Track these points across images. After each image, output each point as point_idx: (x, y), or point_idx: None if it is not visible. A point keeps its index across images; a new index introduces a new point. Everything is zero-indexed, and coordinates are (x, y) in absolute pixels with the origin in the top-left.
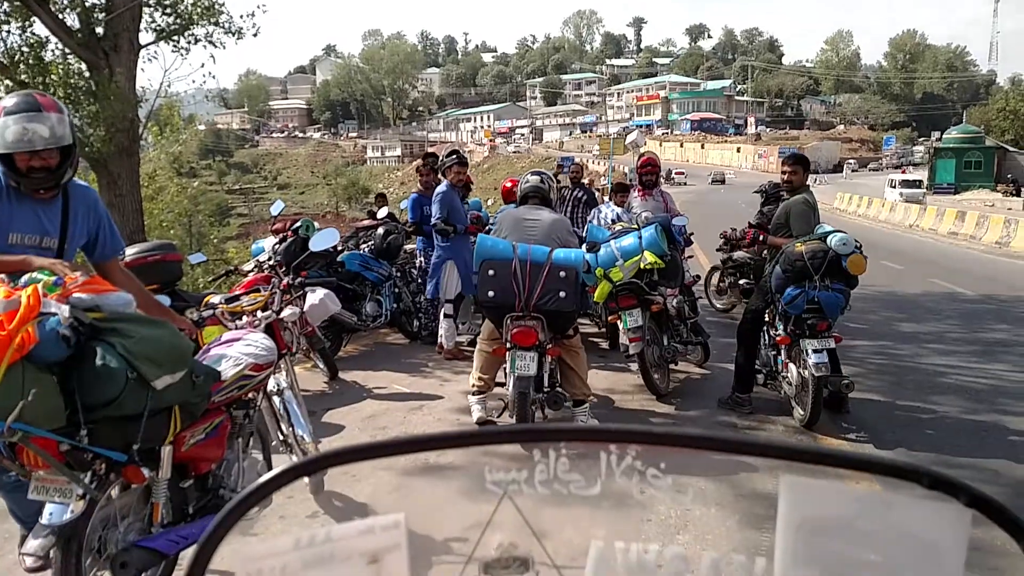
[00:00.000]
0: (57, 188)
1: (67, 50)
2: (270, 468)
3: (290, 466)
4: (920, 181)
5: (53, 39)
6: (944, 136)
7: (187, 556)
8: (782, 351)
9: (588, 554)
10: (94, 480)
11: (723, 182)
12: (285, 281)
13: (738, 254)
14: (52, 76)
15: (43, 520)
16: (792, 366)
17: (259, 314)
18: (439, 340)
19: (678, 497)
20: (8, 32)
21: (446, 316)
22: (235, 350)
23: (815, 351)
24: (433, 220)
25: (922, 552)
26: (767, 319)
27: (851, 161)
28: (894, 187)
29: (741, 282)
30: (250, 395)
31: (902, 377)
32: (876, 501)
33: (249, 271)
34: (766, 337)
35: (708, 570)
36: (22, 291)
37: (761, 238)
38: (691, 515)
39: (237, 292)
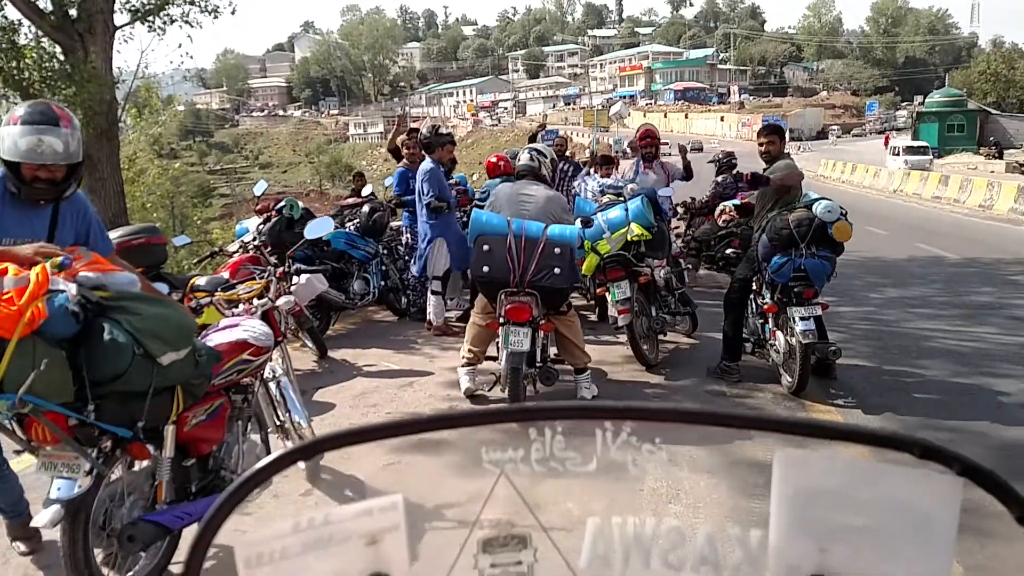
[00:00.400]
0: (57, 200)
1: (40, 33)
2: (268, 452)
3: (289, 450)
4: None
5: (26, 22)
6: (927, 100)
7: (189, 535)
8: (769, 319)
9: (585, 530)
10: (100, 456)
11: (700, 150)
12: (281, 269)
13: (702, 228)
14: (27, 60)
15: (51, 495)
16: (779, 334)
17: (255, 302)
18: (428, 317)
19: (673, 471)
20: None
21: (434, 293)
22: (233, 336)
23: (802, 319)
24: (425, 199)
25: (915, 521)
26: (754, 288)
27: (835, 127)
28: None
29: (728, 252)
30: (248, 380)
31: (888, 342)
32: (869, 471)
33: (234, 252)
34: (753, 306)
35: (704, 542)
36: (31, 269)
37: (727, 207)
38: (686, 488)
39: (222, 274)
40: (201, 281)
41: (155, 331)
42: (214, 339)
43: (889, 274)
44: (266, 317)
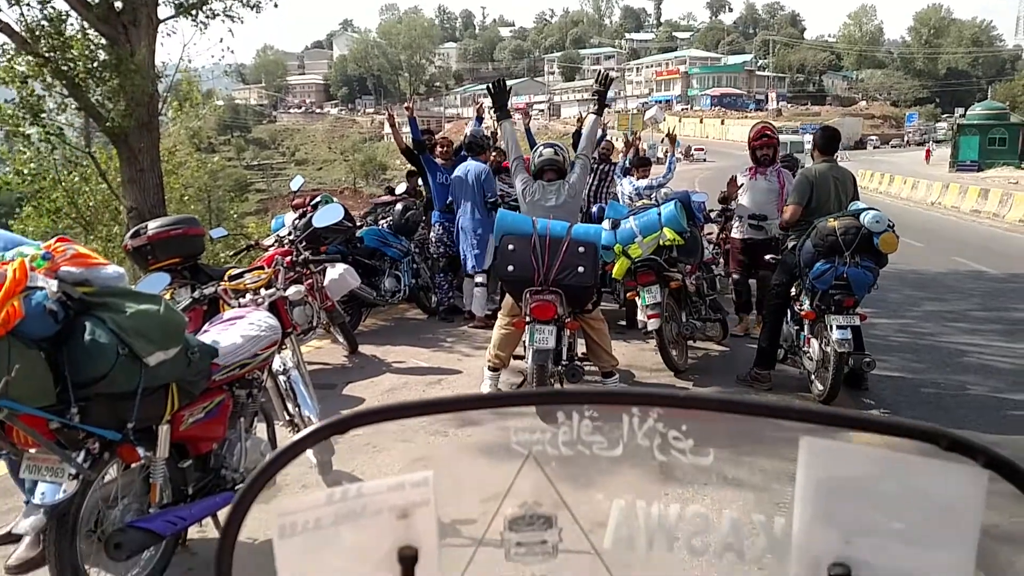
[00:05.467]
0: None
1: (86, 25)
2: (275, 448)
3: (322, 424)
4: None
5: (73, 14)
6: (968, 112)
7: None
8: (805, 326)
9: (610, 513)
10: (88, 459)
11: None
12: (289, 258)
13: None
14: (73, 51)
15: (35, 499)
16: (814, 341)
17: (263, 292)
18: (471, 308)
19: (699, 459)
20: (28, 6)
21: (479, 285)
22: (236, 330)
23: (839, 327)
24: (492, 197)
25: (939, 513)
26: (792, 293)
27: (873, 137)
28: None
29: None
30: (253, 374)
31: (923, 355)
32: (894, 463)
33: (270, 245)
34: (790, 312)
35: (728, 529)
36: (8, 265)
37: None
38: (712, 476)
39: (256, 266)
40: (236, 273)
41: (141, 329)
42: (214, 332)
43: (926, 287)
44: (274, 308)
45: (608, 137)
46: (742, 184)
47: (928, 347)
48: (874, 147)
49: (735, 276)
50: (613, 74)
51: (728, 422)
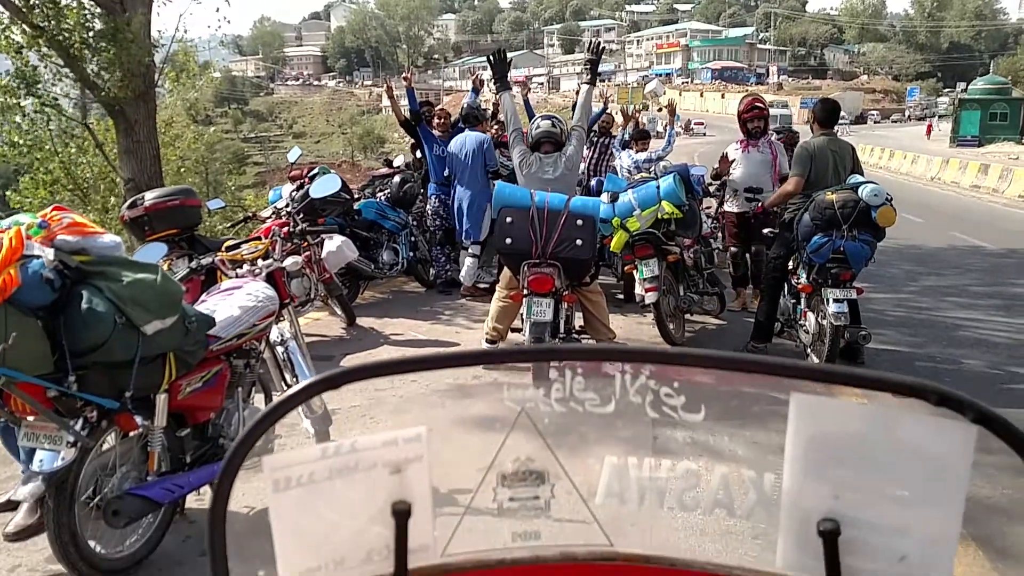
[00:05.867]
0: None
1: None
2: None
3: (317, 379)
4: None
5: None
6: (969, 87)
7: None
8: (802, 299)
9: (602, 469)
10: (86, 427)
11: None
12: (287, 229)
13: None
14: (68, 21)
15: (33, 467)
16: (811, 314)
17: (260, 263)
18: (461, 279)
19: (690, 415)
20: None
21: (472, 256)
22: (234, 300)
23: (836, 300)
24: (493, 167)
25: (928, 467)
26: (789, 267)
27: (874, 112)
28: None
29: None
30: (251, 344)
31: (920, 329)
32: (883, 419)
33: (267, 217)
34: (787, 285)
35: (718, 485)
36: (4, 233)
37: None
38: (703, 432)
39: (254, 237)
40: (234, 244)
41: (138, 298)
42: (212, 303)
43: (925, 262)
44: (272, 279)
45: (608, 110)
46: (734, 159)
47: (925, 321)
48: (875, 122)
49: (732, 250)
50: (605, 45)
51: (719, 379)
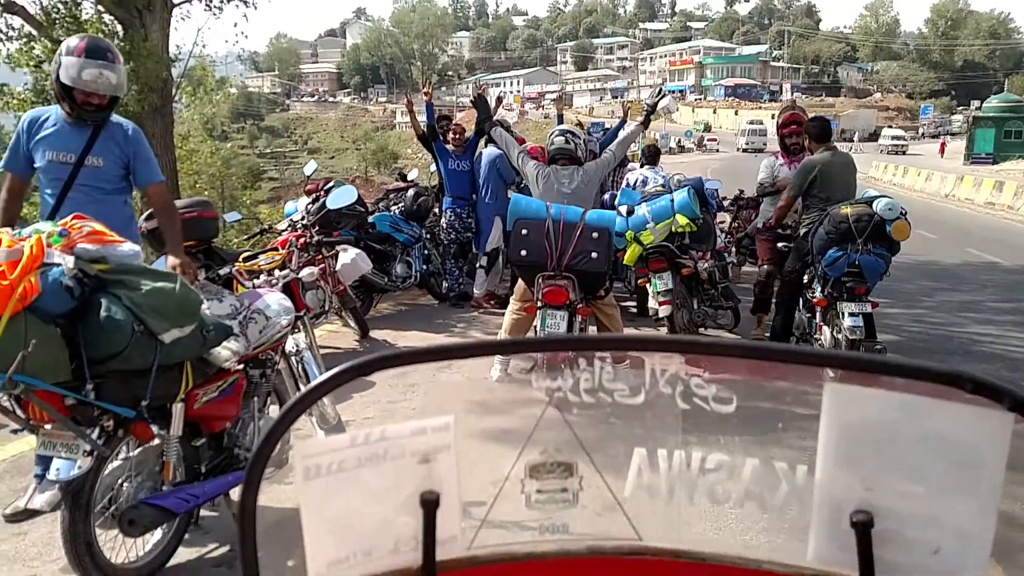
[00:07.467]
0: (100, 122)
1: (102, 9)
2: None
3: (347, 366)
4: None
5: None
6: (984, 105)
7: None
8: (817, 313)
9: (631, 461)
10: (102, 436)
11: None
12: (304, 239)
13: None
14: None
15: (50, 475)
16: (826, 329)
17: (276, 273)
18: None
19: (721, 406)
20: None
21: (480, 267)
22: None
23: (851, 315)
24: (512, 181)
25: (963, 457)
26: (805, 280)
27: (888, 129)
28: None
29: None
30: (267, 354)
31: (936, 344)
32: (918, 408)
33: (283, 230)
34: (802, 299)
35: (750, 477)
36: (25, 241)
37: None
38: (734, 423)
39: (270, 248)
40: (251, 255)
41: (156, 307)
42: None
43: (940, 278)
44: (288, 289)
45: (606, 125)
46: (786, 176)
47: (942, 336)
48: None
49: (765, 268)
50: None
51: (751, 369)
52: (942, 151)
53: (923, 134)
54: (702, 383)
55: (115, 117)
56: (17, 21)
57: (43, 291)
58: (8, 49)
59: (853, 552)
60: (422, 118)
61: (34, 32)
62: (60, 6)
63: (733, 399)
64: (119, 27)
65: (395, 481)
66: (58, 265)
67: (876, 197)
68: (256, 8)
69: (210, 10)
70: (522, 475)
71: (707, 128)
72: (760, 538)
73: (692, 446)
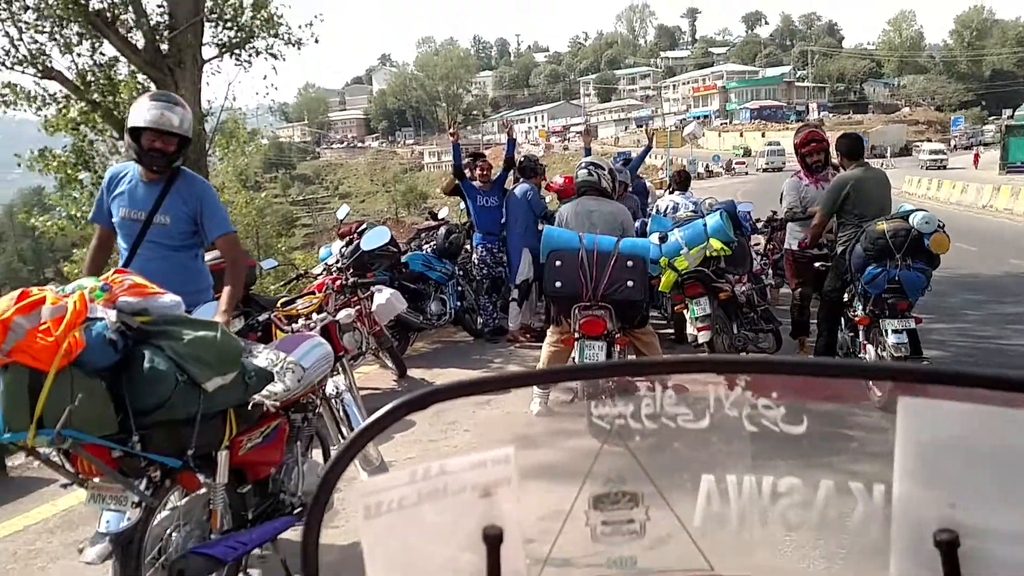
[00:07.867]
0: (166, 170)
1: (134, 68)
2: None
3: (402, 401)
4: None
5: (122, 59)
6: (1016, 113)
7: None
8: (860, 332)
9: (699, 488)
10: (150, 487)
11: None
12: (340, 282)
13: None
14: (122, 95)
15: (100, 528)
16: (870, 347)
17: (314, 316)
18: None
19: (791, 427)
20: (79, 54)
21: (512, 300)
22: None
23: (895, 331)
24: (542, 212)
25: None
26: (845, 299)
27: (920, 143)
28: None
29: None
30: (308, 398)
31: (987, 358)
32: (999, 419)
33: (318, 274)
34: (843, 319)
35: (824, 500)
36: (69, 297)
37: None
38: (805, 444)
39: (307, 292)
40: (288, 300)
41: (198, 356)
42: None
43: (983, 290)
44: (326, 332)
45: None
46: (807, 187)
47: (993, 350)
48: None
49: (800, 291)
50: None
51: (820, 388)
52: (976, 162)
53: (955, 146)
54: (770, 404)
55: (187, 171)
56: (52, 86)
57: (88, 345)
58: (46, 114)
59: (938, 573)
60: (447, 157)
61: (71, 95)
62: (96, 69)
63: (803, 419)
64: (152, 86)
65: (456, 516)
66: (101, 319)
67: (912, 211)
68: (284, 60)
69: (239, 64)
70: (586, 507)
71: (747, 152)
72: (838, 563)
73: (762, 470)
